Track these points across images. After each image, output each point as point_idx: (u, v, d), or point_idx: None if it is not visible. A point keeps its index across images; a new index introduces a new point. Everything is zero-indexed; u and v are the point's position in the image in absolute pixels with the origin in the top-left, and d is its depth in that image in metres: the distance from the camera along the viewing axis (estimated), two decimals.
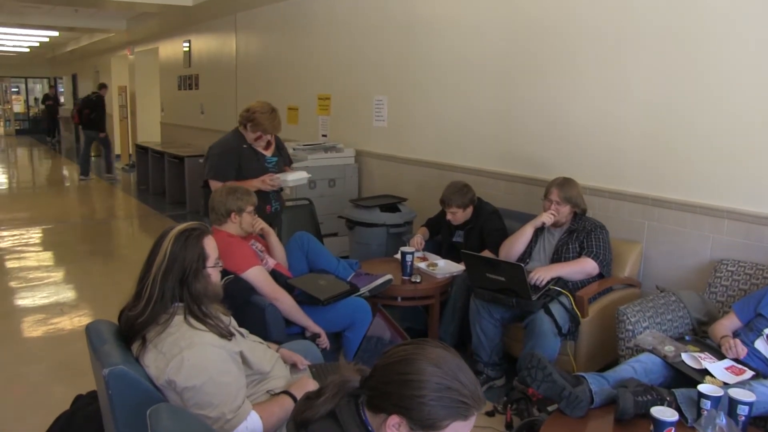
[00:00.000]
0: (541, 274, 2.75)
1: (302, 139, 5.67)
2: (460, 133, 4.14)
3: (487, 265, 2.74)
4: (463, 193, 3.29)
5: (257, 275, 2.44)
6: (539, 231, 3.04)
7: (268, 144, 3.26)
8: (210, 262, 1.65)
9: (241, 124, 3.21)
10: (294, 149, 4.80)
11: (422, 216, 3.93)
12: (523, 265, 2.69)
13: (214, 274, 1.66)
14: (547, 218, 2.95)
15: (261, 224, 2.70)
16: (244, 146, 3.18)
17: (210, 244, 1.65)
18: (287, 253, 2.84)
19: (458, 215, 3.31)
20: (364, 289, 2.80)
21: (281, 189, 3.30)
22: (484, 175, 3.94)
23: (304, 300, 2.57)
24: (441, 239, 3.55)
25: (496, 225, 3.33)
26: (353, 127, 5.21)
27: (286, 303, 2.47)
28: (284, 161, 3.41)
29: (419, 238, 3.45)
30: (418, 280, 3.02)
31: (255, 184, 3.10)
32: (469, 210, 3.34)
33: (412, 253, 3.07)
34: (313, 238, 2.94)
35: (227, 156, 3.14)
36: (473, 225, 3.35)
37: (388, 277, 2.89)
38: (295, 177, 3.24)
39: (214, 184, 3.08)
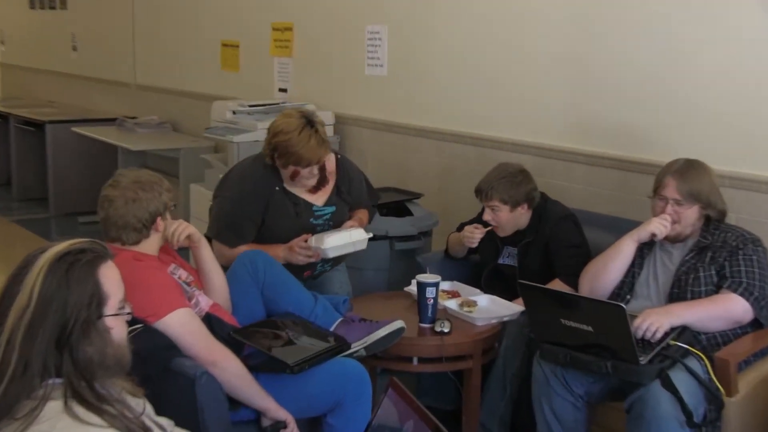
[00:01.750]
0: (655, 320, 2.70)
1: (245, 94, 5.64)
2: (509, 88, 4.13)
3: (562, 305, 2.73)
4: (513, 183, 3.31)
5: (183, 324, 2.43)
6: (646, 249, 3.01)
7: (320, 183, 3.28)
8: (110, 307, 1.63)
9: (267, 156, 3.23)
10: (234, 113, 4.79)
11: (449, 222, 3.89)
12: (622, 305, 2.65)
13: (117, 327, 1.65)
14: (658, 227, 2.91)
15: (186, 230, 2.70)
16: (277, 188, 3.24)
17: (110, 277, 1.65)
18: (231, 286, 2.86)
19: (502, 216, 3.33)
20: (358, 345, 2.81)
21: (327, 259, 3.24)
22: (549, 155, 3.94)
23: (261, 365, 2.58)
24: (481, 260, 3.57)
25: (572, 239, 3.34)
26: (331, 76, 5.18)
27: (229, 370, 2.46)
28: (354, 204, 3.44)
29: (473, 230, 3.41)
30: (446, 330, 3.01)
31: (281, 255, 3.13)
32: (522, 212, 3.36)
33: (435, 285, 3.06)
34: (272, 260, 2.96)
35: (248, 203, 3.21)
36: (533, 238, 3.37)
37: (398, 324, 2.88)
38: (338, 241, 3.12)
39: (220, 249, 3.15)
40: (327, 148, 3.20)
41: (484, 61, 4.23)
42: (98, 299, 1.60)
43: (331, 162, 3.37)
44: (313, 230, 3.23)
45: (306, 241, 3.13)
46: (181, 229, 2.67)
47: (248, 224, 3.20)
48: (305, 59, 5.38)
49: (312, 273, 3.34)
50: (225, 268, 2.96)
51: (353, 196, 3.44)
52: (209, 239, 3.17)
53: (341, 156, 3.51)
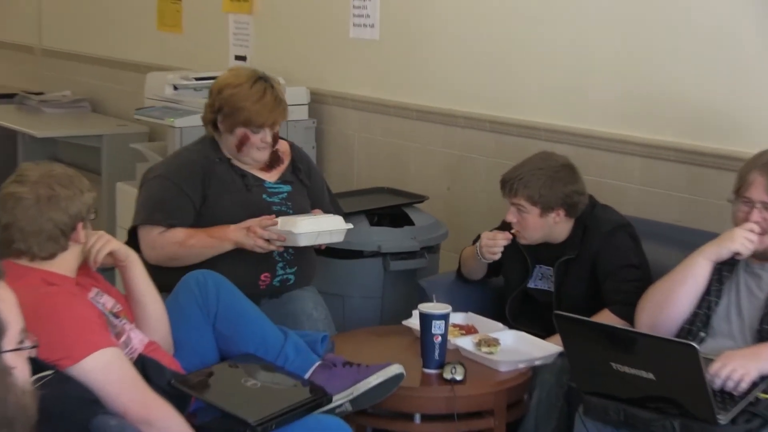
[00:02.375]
0: (739, 366, 2.73)
1: (191, 63, 5.70)
2: (542, 56, 4.15)
3: (613, 345, 2.77)
4: (550, 179, 3.36)
5: (107, 369, 2.43)
6: (726, 270, 3.05)
7: (273, 161, 3.46)
8: (9, 340, 1.61)
9: (208, 123, 3.41)
10: (176, 88, 4.86)
11: (461, 234, 3.92)
12: (695, 345, 2.66)
13: (19, 367, 1.63)
14: (742, 242, 2.94)
15: (108, 245, 2.70)
16: (218, 159, 3.41)
17: (6, 300, 1.66)
18: (174, 318, 2.87)
19: (528, 220, 3.39)
20: (341, 398, 2.83)
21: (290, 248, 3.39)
22: (596, 144, 3.98)
23: (212, 424, 2.60)
24: (506, 283, 3.65)
25: (627, 256, 3.38)
26: (304, 40, 5.23)
27: (169, 430, 2.47)
28: (315, 198, 3.60)
29: (494, 235, 3.43)
30: (458, 378, 3.04)
31: (231, 236, 3.26)
32: (556, 219, 3.40)
33: (444, 317, 3.10)
34: (228, 284, 3.00)
35: (183, 178, 3.33)
36: (575, 254, 3.43)
37: (394, 370, 2.92)
38: (312, 226, 3.30)
39: (149, 236, 3.27)
40: (284, 111, 3.39)
41: (508, 20, 4.23)
42: None
43: (284, 144, 3.50)
44: (269, 210, 3.32)
45: (265, 222, 3.22)
46: (101, 244, 2.67)
47: (185, 202, 3.26)
48: (270, 17, 5.40)
49: (271, 280, 3.38)
50: (161, 285, 2.94)
51: (313, 184, 3.53)
52: (134, 241, 3.22)
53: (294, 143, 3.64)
